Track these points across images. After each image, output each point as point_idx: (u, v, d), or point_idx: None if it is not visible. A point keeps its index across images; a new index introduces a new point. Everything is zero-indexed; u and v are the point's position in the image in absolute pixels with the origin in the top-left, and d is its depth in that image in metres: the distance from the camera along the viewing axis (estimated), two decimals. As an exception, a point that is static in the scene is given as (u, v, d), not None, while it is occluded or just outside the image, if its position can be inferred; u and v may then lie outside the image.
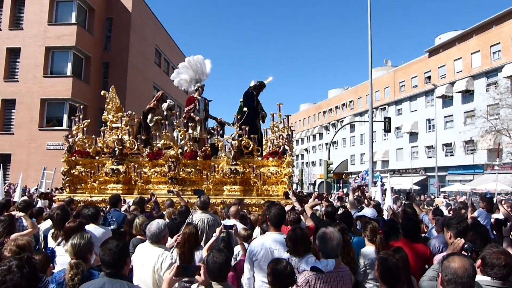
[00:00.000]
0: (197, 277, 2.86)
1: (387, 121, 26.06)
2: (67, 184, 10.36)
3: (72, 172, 10.34)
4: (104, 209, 7.90)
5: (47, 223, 5.95)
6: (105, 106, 11.42)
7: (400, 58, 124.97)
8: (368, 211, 6.26)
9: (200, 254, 4.69)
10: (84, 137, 10.72)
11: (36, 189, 14.27)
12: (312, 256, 3.75)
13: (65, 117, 25.08)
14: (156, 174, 10.05)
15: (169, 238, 4.67)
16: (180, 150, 10.00)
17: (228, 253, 3.40)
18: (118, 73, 28.16)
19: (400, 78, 47.29)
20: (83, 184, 10.41)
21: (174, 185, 9.74)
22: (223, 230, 4.89)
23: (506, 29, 34.21)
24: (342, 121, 56.74)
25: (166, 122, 10.47)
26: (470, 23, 38.38)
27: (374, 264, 3.84)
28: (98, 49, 28.20)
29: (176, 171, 9.79)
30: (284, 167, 9.56)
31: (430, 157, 40.46)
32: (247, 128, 9.72)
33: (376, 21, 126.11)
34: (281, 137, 9.96)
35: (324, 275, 3.39)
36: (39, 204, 9.79)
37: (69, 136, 10.76)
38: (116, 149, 10.08)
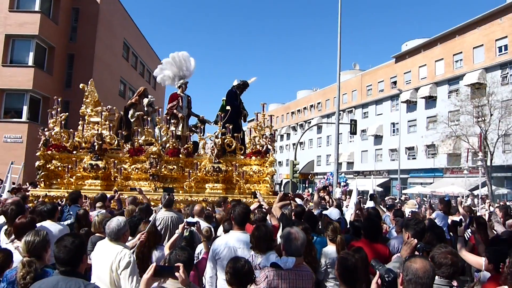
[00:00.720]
0: (177, 274, 2.81)
1: (353, 123, 26.55)
2: (42, 179, 10.03)
3: (47, 166, 10.03)
4: (60, 203, 7.66)
5: (1, 219, 5.66)
6: (83, 99, 11.15)
7: (368, 62, 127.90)
8: (333, 212, 6.32)
9: (158, 253, 4.63)
10: (62, 130, 10.42)
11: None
12: (273, 253, 3.83)
13: (25, 109, 24.09)
14: (136, 170, 9.93)
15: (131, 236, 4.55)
16: (161, 147, 9.92)
17: (191, 252, 3.37)
18: (83, 66, 27.28)
19: (367, 82, 48.26)
20: (59, 180, 10.12)
21: (156, 182, 9.69)
22: (186, 227, 4.86)
23: (468, 39, 35.54)
24: (309, 122, 57.32)
25: (149, 118, 10.39)
26: (435, 32, 39.81)
27: (335, 263, 3.90)
28: (63, 40, 27.21)
29: (158, 168, 9.69)
30: (267, 166, 9.74)
31: (394, 160, 41.50)
32: (230, 127, 9.75)
33: (346, 25, 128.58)
34: (264, 136, 10.04)
35: (283, 272, 3.42)
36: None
37: (45, 129, 10.41)
38: (95, 144, 9.85)
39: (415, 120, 40.34)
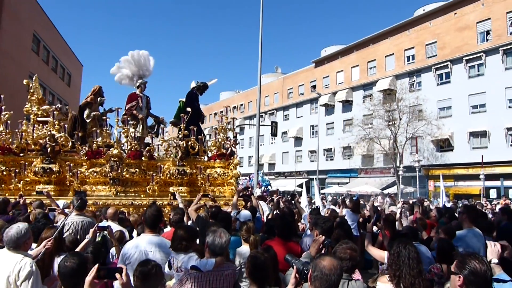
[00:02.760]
0: (117, 275, 2.69)
1: (274, 125, 26.99)
2: None
3: None
4: None
5: None
6: (28, 97, 10.19)
7: (290, 66, 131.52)
8: (242, 214, 6.44)
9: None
10: (8, 131, 9.43)
11: None
12: (194, 255, 3.87)
13: None
14: (95, 174, 9.26)
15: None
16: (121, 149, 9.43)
17: (83, 257, 3.21)
18: (-15, 59, 24.82)
19: (289, 85, 49.64)
20: (3, 185, 9.16)
21: (116, 186, 9.14)
22: (97, 231, 4.72)
23: (381, 48, 38.06)
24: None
25: (108, 119, 9.97)
26: (352, 40, 42.05)
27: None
28: (-38, 29, 24.54)
29: (119, 171, 9.12)
30: (231, 169, 9.72)
31: (313, 161, 43.08)
32: (195, 129, 9.60)
33: (269, 31, 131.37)
34: (228, 139, 10.01)
35: (202, 274, 3.45)
36: None
37: None
38: (47, 146, 8.94)
39: (333, 123, 42.28)
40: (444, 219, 7.81)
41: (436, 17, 33.73)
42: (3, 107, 9.55)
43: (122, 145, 9.59)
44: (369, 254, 5.14)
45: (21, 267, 3.41)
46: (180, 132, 9.50)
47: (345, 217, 7.62)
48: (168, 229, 5.96)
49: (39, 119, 9.98)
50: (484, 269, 2.61)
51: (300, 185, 42.32)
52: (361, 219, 9.02)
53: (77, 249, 4.33)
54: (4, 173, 9.10)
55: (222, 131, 10.10)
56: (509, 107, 28.06)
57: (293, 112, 48.42)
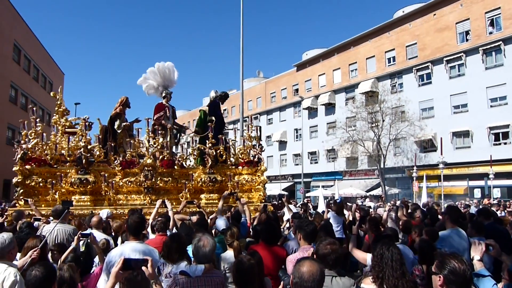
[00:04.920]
0: (144, 268, 2.85)
1: (258, 129, 26.68)
2: (21, 197, 8.89)
3: (26, 183, 8.94)
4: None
5: None
6: (56, 108, 10.29)
7: (272, 70, 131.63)
8: (219, 223, 6.39)
9: None
10: (44, 142, 9.47)
11: None
12: (184, 262, 3.96)
13: None
14: (129, 183, 9.41)
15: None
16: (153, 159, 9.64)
17: (52, 267, 3.21)
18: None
19: (271, 89, 49.55)
20: (39, 196, 9.09)
21: (150, 195, 9.32)
22: (80, 239, 4.80)
23: (361, 51, 38.20)
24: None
25: (139, 129, 10.28)
26: (332, 43, 42.21)
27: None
28: None
29: (153, 180, 9.33)
30: (259, 175, 10.25)
31: (297, 164, 42.95)
32: (223, 138, 10.19)
33: (250, 35, 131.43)
34: (255, 147, 10.51)
35: (191, 279, 3.51)
36: None
37: (21, 141, 9.27)
38: (82, 157, 9.01)
39: (317, 126, 42.26)
40: (426, 220, 7.95)
41: (416, 19, 33.99)
42: (37, 120, 9.58)
43: (153, 155, 9.78)
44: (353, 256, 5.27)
45: (5, 277, 3.46)
46: (208, 141, 9.86)
47: (330, 220, 7.78)
48: (152, 236, 6.00)
49: (67, 130, 10.15)
50: (463, 269, 2.64)
51: (286, 189, 42.17)
52: (347, 221, 9.13)
53: (63, 257, 4.48)
54: (41, 184, 9.07)
55: (249, 139, 10.66)
56: (491, 106, 28.32)
57: (276, 116, 48.31)
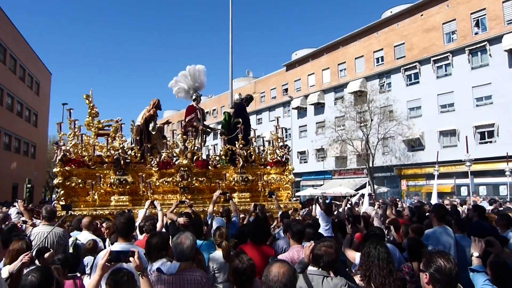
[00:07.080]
0: (131, 259, 2.86)
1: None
2: (62, 198, 9.13)
3: (67, 184, 9.15)
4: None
5: None
6: (88, 110, 10.35)
7: (261, 70, 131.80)
8: (217, 222, 6.54)
9: None
10: (83, 144, 9.70)
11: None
12: (165, 260, 3.94)
13: None
14: (166, 183, 9.74)
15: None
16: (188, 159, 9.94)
17: (47, 272, 3.09)
18: None
19: (261, 89, 49.57)
20: (79, 196, 9.36)
21: (186, 194, 9.61)
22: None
23: (350, 50, 38.43)
24: (205, 129, 56.95)
25: (174, 131, 10.61)
26: (322, 43, 42.32)
27: (222, 267, 4.55)
28: None
29: (189, 180, 9.69)
30: (287, 174, 10.78)
31: (287, 164, 42.91)
32: (253, 139, 10.72)
33: (239, 34, 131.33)
34: (282, 147, 11.02)
35: (166, 276, 3.54)
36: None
37: (61, 143, 9.46)
38: (120, 158, 9.34)
39: (306, 125, 42.41)
40: (414, 219, 8.06)
41: (403, 19, 34.29)
42: (76, 121, 9.72)
43: (187, 155, 10.02)
44: (343, 255, 5.27)
45: None
46: (238, 142, 10.33)
47: (319, 219, 7.89)
48: (141, 237, 6.02)
49: (100, 131, 10.26)
50: (449, 267, 2.64)
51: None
52: (336, 219, 9.04)
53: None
54: (80, 185, 9.24)
55: (276, 139, 11.15)
56: (477, 105, 28.69)
57: (266, 116, 48.35)
